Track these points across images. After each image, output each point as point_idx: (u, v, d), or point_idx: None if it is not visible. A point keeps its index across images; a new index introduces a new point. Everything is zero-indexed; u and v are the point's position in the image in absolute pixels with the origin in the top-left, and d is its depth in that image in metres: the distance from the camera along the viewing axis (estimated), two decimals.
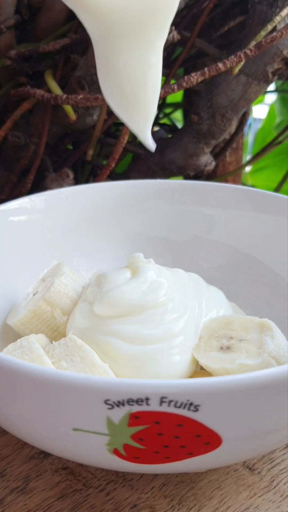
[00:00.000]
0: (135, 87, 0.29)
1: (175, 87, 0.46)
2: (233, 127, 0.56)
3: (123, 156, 0.60)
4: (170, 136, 0.62)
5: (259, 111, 1.04)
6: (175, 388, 0.22)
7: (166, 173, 0.58)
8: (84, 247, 0.47)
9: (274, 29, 0.47)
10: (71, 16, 0.53)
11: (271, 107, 0.93)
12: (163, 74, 0.57)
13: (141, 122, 0.30)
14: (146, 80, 0.29)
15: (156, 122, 0.70)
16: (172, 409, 0.23)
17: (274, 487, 0.32)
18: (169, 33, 0.50)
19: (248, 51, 0.45)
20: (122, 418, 0.23)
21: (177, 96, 0.70)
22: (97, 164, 0.61)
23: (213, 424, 0.23)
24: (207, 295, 0.39)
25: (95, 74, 0.49)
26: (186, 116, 0.71)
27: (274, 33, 0.45)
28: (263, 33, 0.46)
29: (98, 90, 0.50)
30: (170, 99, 0.70)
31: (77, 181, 0.60)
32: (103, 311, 0.34)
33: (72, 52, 0.52)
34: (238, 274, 0.45)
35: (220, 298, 0.40)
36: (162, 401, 0.22)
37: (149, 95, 0.29)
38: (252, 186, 0.89)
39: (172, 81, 0.54)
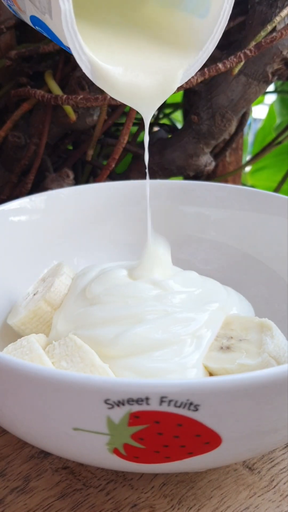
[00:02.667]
0: None
1: None
2: (233, 127, 0.56)
3: (123, 156, 0.60)
4: (170, 136, 0.62)
5: (259, 111, 1.04)
6: (175, 387, 0.22)
7: (166, 173, 0.58)
8: (84, 247, 0.47)
9: (274, 29, 0.47)
10: None
11: (271, 107, 0.93)
12: None
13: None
14: None
15: (156, 122, 0.70)
16: (172, 409, 0.23)
17: (274, 486, 0.32)
18: None
19: (248, 52, 0.45)
20: (122, 418, 0.23)
21: (177, 97, 0.70)
22: (97, 164, 0.61)
23: (213, 423, 0.24)
24: (238, 303, 0.39)
25: None
26: (186, 117, 0.71)
27: (274, 34, 0.45)
28: (263, 33, 0.46)
29: (98, 90, 0.50)
30: (170, 99, 0.70)
31: (77, 181, 0.60)
32: (117, 353, 0.32)
33: None
34: (238, 274, 0.45)
35: (246, 306, 0.40)
36: (162, 400, 0.22)
37: None
38: (252, 186, 0.89)
39: None
